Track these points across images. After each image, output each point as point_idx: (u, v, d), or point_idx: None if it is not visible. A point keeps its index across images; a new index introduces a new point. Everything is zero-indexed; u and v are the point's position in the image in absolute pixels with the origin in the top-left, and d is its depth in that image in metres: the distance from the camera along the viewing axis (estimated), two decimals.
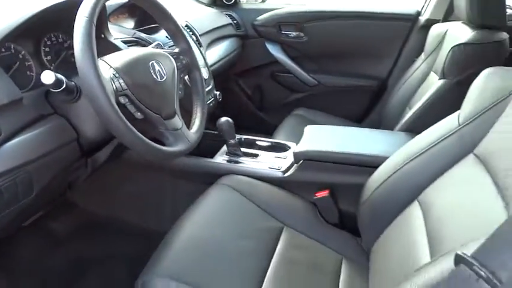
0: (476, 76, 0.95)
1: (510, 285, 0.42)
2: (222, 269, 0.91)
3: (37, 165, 0.77)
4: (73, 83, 0.79)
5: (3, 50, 0.83)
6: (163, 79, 0.86)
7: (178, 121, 0.90)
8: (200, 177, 1.28)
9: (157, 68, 0.86)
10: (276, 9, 2.03)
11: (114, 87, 0.76)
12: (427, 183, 0.96)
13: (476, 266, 0.54)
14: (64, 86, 0.76)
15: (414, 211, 0.96)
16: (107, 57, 0.80)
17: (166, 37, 1.26)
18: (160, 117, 0.85)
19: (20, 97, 0.76)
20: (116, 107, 0.72)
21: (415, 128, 1.33)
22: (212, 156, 1.31)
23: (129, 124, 0.73)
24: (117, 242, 1.38)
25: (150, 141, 0.78)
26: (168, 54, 0.94)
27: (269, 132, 1.73)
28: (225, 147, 1.34)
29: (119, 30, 1.15)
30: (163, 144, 0.87)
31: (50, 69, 0.91)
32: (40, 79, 0.74)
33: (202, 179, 1.25)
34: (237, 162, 1.28)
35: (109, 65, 0.78)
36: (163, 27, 1.00)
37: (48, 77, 0.73)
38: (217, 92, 1.43)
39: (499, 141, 0.83)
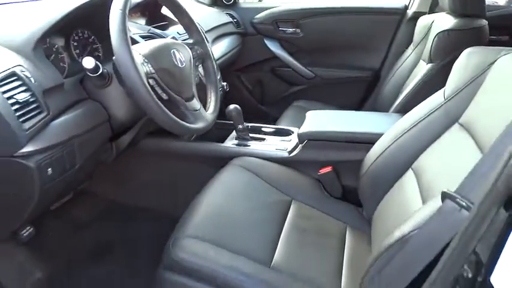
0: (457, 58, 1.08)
1: (481, 205, 0.54)
2: (241, 233, 1.02)
3: (79, 141, 0.88)
4: (106, 70, 0.91)
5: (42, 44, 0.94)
6: (183, 65, 0.98)
7: (196, 103, 1.02)
8: (213, 161, 1.39)
9: (177, 55, 0.97)
10: (273, 7, 2.15)
11: (145, 71, 0.87)
12: (419, 153, 1.08)
13: (459, 198, 0.67)
14: (100, 71, 0.87)
15: (408, 178, 1.08)
16: (135, 46, 0.91)
17: (178, 33, 1.38)
18: (182, 99, 0.97)
19: (62, 82, 0.88)
20: (148, 87, 0.83)
21: (407, 109, 1.44)
22: (222, 142, 1.42)
23: (158, 102, 0.85)
24: (135, 226, 1.48)
25: (176, 118, 0.89)
26: (184, 45, 1.06)
27: (271, 124, 1.84)
28: (234, 133, 1.46)
29: (136, 27, 1.27)
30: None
31: (79, 61, 1.03)
32: (73, 68, 0.85)
33: (214, 163, 1.36)
34: (246, 145, 1.40)
35: (138, 52, 0.89)
36: (180, 21, 1.12)
37: (89, 62, 0.84)
38: (224, 83, 1.54)
39: (479, 110, 0.95)
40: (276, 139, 1.46)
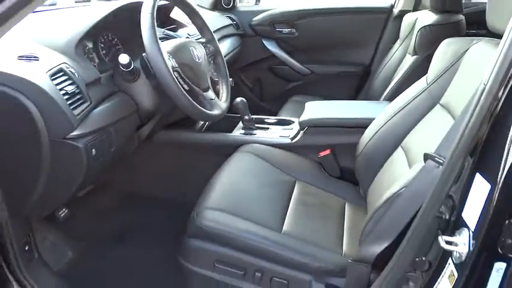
0: None
1: (451, 156, 0.69)
2: (254, 206, 1.16)
3: (115, 128, 1.02)
4: (135, 66, 1.06)
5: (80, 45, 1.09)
6: (200, 61, 1.13)
7: (212, 93, 1.17)
8: (223, 149, 1.53)
9: (195, 52, 1.13)
10: (269, 9, 2.31)
11: (170, 65, 1.02)
12: (407, 132, 1.23)
13: (437, 157, 0.82)
14: (132, 66, 1.02)
15: (398, 155, 1.23)
16: (161, 44, 1.06)
17: (188, 34, 1.53)
18: (200, 90, 1.12)
19: (99, 77, 1.02)
20: (175, 79, 0.98)
21: (395, 96, 1.61)
22: (231, 132, 1.57)
23: (183, 91, 1.00)
24: (152, 213, 1.61)
25: (198, 105, 1.04)
26: (199, 43, 1.21)
27: None
28: (240, 124, 1.60)
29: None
30: None
31: (105, 61, 1.17)
32: (101, 67, 0.99)
33: (224, 151, 1.50)
34: (252, 134, 1.55)
35: (164, 50, 1.04)
36: (193, 22, 1.27)
37: (124, 58, 0.99)
38: (230, 79, 1.69)
39: (456, 91, 1.11)
40: (279, 128, 1.61)
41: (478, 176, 0.66)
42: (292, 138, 1.51)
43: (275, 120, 1.69)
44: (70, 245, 1.36)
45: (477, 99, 0.66)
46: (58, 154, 0.90)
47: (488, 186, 0.63)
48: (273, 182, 1.32)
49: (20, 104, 0.84)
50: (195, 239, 1.08)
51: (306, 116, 1.50)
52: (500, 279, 0.64)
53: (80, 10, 1.19)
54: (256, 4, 2.44)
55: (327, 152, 1.46)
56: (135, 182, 1.64)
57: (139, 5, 1.09)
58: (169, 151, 1.61)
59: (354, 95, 2.32)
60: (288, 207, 1.22)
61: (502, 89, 0.62)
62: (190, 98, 1.01)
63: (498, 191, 0.60)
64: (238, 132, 1.57)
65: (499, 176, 0.60)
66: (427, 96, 1.21)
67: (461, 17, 1.63)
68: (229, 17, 2.22)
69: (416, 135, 1.20)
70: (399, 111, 1.27)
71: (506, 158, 0.60)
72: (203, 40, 1.27)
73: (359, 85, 2.30)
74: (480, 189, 0.65)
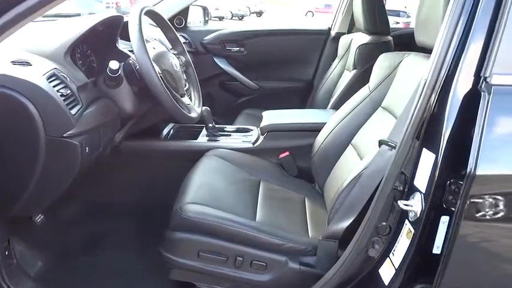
0: (374, 65, 1.47)
1: (402, 140, 0.88)
2: (228, 200, 1.27)
3: (103, 129, 1.09)
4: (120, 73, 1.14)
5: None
6: (177, 68, 1.25)
7: (187, 99, 1.28)
8: (189, 155, 1.61)
9: (173, 61, 1.24)
10: (218, 30, 2.48)
11: (157, 70, 1.12)
12: (355, 132, 1.44)
13: (390, 142, 1.02)
14: (119, 72, 1.10)
15: (349, 152, 1.43)
16: None
17: (153, 48, 1.62)
18: (178, 95, 1.23)
19: (87, 81, 1.09)
20: (162, 82, 1.08)
21: (340, 106, 1.84)
22: (196, 139, 1.67)
23: (169, 93, 1.10)
24: (120, 220, 1.64)
25: (180, 107, 1.15)
26: (173, 54, 1.33)
27: None
28: (204, 131, 1.72)
29: (122, 43, 1.50)
30: None
31: (82, 71, 1.24)
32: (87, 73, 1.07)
33: (191, 157, 1.58)
34: (216, 140, 1.67)
35: None
36: (166, 35, 1.39)
37: (115, 64, 1.07)
38: None
39: (394, 95, 1.34)
40: (239, 135, 1.75)
41: (424, 150, 0.86)
42: (254, 143, 1.66)
43: (235, 129, 1.82)
44: (41, 253, 1.35)
45: (419, 94, 0.86)
46: (54, 152, 0.95)
47: (433, 156, 0.82)
48: (241, 180, 1.45)
49: (19, 104, 0.88)
50: (179, 232, 1.16)
51: (265, 122, 1.66)
52: (445, 230, 0.83)
53: (64, 22, 1.24)
54: (205, 25, 2.59)
55: (286, 153, 1.62)
56: (103, 191, 1.66)
57: (116, 20, 1.18)
58: (137, 160, 1.66)
59: (300, 107, 2.54)
60: (257, 201, 1.35)
61: (438, 83, 0.83)
62: (173, 99, 1.12)
63: (441, 159, 0.80)
64: (203, 139, 1.68)
65: (440, 147, 0.80)
66: (369, 101, 1.44)
67: (390, 38, 1.94)
68: (182, 36, 2.34)
69: (363, 133, 1.42)
70: (347, 115, 1.48)
71: (445, 133, 0.80)
72: (175, 52, 1.39)
73: (303, 98, 2.53)
74: (426, 160, 0.85)
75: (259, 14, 22.01)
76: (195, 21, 2.59)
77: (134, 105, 1.21)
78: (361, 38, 2.00)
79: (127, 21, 1.22)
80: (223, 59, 2.49)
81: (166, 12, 2.30)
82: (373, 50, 1.87)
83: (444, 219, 0.83)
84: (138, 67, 1.12)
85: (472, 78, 0.82)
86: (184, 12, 2.38)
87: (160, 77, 1.15)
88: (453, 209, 0.81)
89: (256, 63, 2.51)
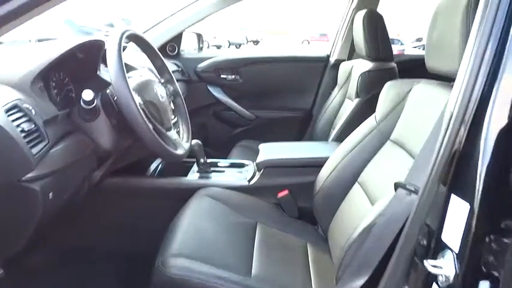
0: (378, 93, 1.34)
1: (425, 186, 0.73)
2: (219, 251, 1.11)
3: (72, 170, 0.94)
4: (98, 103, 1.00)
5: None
6: (163, 99, 1.11)
7: (174, 133, 1.14)
8: (178, 194, 1.46)
9: (158, 90, 1.10)
10: (212, 57, 2.37)
11: (138, 102, 0.98)
12: (361, 169, 1.29)
13: (408, 185, 0.86)
14: (94, 103, 0.96)
15: (356, 191, 1.28)
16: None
17: (140, 75, 1.49)
18: (163, 129, 1.08)
19: (58, 114, 0.95)
20: (143, 115, 0.94)
21: (342, 137, 1.69)
22: (186, 176, 1.52)
23: (151, 128, 0.96)
24: (99, 268, 1.47)
25: (165, 144, 1.00)
26: (159, 82, 1.19)
27: None
28: (195, 167, 1.56)
29: (104, 70, 1.37)
30: None
31: (57, 101, 1.10)
32: (59, 104, 0.93)
33: (179, 196, 1.43)
34: (208, 177, 1.51)
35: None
36: (153, 63, 1.26)
37: (88, 94, 0.93)
38: None
39: (405, 128, 1.20)
40: (234, 171, 1.60)
41: (453, 197, 0.70)
42: (249, 180, 1.51)
43: (229, 164, 1.67)
44: None
45: (444, 129, 0.72)
46: (10, 199, 0.79)
47: (465, 205, 0.67)
48: (235, 225, 1.29)
49: None
50: None
51: (262, 157, 1.51)
52: None
53: (34, 47, 1.11)
54: (199, 52, 2.49)
55: (285, 192, 1.46)
56: (79, 234, 1.49)
57: (97, 44, 1.05)
58: (120, 198, 1.50)
59: (299, 138, 2.41)
60: (253, 250, 1.19)
61: (468, 116, 0.69)
62: (156, 135, 0.97)
63: (477, 208, 0.65)
64: (193, 176, 1.52)
65: (476, 193, 0.65)
66: (377, 133, 1.30)
67: (394, 64, 1.82)
68: (175, 63, 2.23)
69: (371, 170, 1.27)
70: (352, 149, 1.34)
71: (480, 175, 0.65)
72: (162, 80, 1.25)
73: (302, 128, 2.40)
74: (457, 210, 0.69)
75: (256, 42, 22.33)
76: (189, 48, 2.49)
77: (113, 141, 1.06)
78: (362, 65, 1.88)
79: None
80: (217, 87, 2.38)
81: (159, 38, 2.21)
82: (376, 77, 1.75)
83: (483, 286, 0.67)
84: (115, 97, 0.98)
85: (509, 109, 0.68)
86: (177, 39, 2.28)
87: (142, 108, 1.00)
88: (495, 273, 0.65)
89: (252, 92, 2.39)
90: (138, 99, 0.99)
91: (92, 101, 0.96)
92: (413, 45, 12.58)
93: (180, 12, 2.17)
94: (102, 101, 1.02)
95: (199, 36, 2.48)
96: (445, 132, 0.72)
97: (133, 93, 0.98)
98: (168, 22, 2.19)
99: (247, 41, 21.28)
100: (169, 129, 1.11)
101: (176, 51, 2.29)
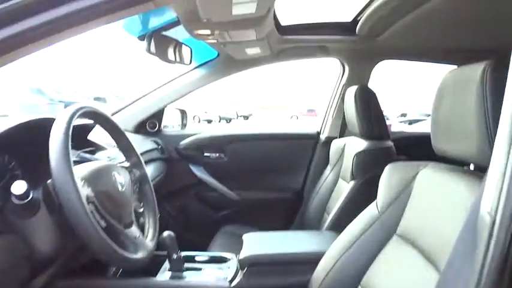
0: (377, 175, 1.18)
1: None
2: None
3: None
4: (35, 196, 0.80)
5: None
6: (123, 189, 0.91)
7: (136, 230, 0.92)
8: None
9: (118, 178, 0.91)
10: (195, 134, 2.23)
11: (84, 195, 0.78)
12: (365, 269, 1.08)
13: None
14: (30, 197, 0.76)
15: None
16: (73, 168, 0.83)
17: (108, 157, 1.31)
18: (121, 226, 0.87)
19: None
20: (89, 212, 0.74)
21: (338, 226, 1.49)
22: (154, 275, 1.27)
23: (100, 229, 0.75)
24: None
25: (118, 248, 0.79)
26: (123, 168, 1.00)
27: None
28: (166, 264, 1.32)
29: None
30: None
31: None
32: None
33: None
34: (181, 277, 1.26)
35: (77, 175, 0.81)
36: (118, 144, 1.08)
37: (19, 187, 0.73)
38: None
39: (414, 221, 1.01)
40: (213, 267, 1.35)
41: None
42: (231, 281, 1.26)
43: (208, 258, 1.43)
44: None
45: (487, 236, 0.54)
46: None
47: None
48: None
49: None
50: None
51: (245, 252, 1.28)
52: None
53: None
54: (182, 129, 2.35)
55: None
56: None
57: (47, 124, 0.88)
58: None
59: (289, 222, 2.19)
60: None
61: None
62: (108, 239, 0.76)
63: None
64: (164, 276, 1.27)
65: None
66: (380, 227, 1.10)
67: (390, 143, 1.68)
68: (155, 141, 2.08)
69: (377, 272, 1.05)
70: (352, 244, 1.13)
71: None
72: (127, 164, 1.07)
73: (292, 211, 2.20)
74: None
75: (247, 117, 22.83)
76: (174, 124, 2.36)
77: (55, 242, 0.84)
78: (356, 144, 1.73)
79: None
80: (200, 166, 2.20)
81: (138, 115, 2.09)
82: (373, 157, 1.59)
83: None
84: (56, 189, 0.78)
85: None
86: (158, 115, 2.16)
87: (92, 203, 0.80)
88: None
89: (238, 171, 2.22)
90: (86, 191, 0.79)
91: (24, 195, 0.76)
92: (399, 120, 12.90)
93: (161, 88, 2.08)
94: (43, 194, 0.81)
95: (183, 112, 2.36)
96: (488, 242, 0.54)
97: (79, 183, 0.79)
98: (148, 98, 2.08)
99: (238, 116, 21.75)
100: (129, 226, 0.90)
101: (157, 128, 2.15)
